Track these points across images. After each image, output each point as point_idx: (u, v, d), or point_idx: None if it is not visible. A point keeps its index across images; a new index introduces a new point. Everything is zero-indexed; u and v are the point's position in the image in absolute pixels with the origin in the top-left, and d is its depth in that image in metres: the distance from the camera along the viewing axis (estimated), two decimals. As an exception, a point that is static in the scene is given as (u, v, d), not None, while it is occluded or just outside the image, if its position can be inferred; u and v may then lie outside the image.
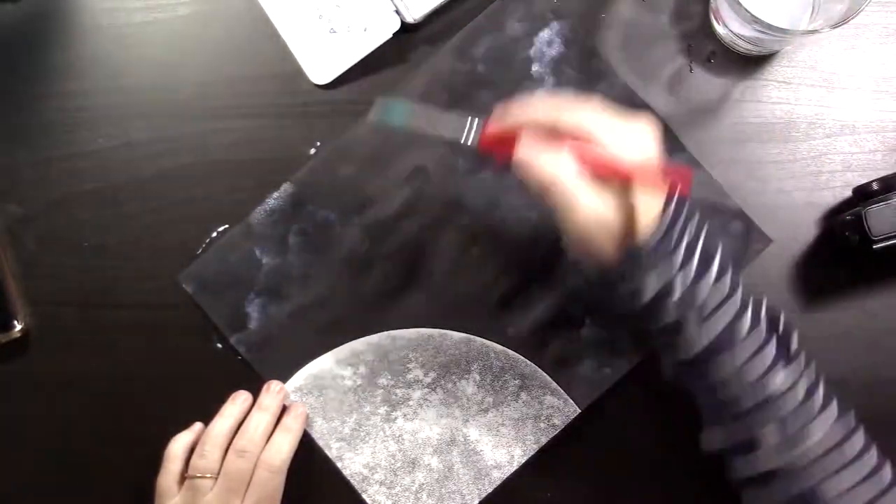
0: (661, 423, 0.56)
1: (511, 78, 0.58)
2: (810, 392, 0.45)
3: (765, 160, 0.57)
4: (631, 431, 0.57)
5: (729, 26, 0.56)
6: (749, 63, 0.58)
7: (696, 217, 0.46)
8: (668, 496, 0.56)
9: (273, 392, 0.56)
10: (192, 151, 0.59)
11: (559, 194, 0.45)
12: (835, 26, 0.49)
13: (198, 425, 0.55)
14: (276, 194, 0.58)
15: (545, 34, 0.58)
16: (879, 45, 0.58)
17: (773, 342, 0.46)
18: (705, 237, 0.46)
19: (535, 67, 0.58)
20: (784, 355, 0.46)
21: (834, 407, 0.45)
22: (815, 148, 0.57)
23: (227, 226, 0.58)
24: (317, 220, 0.58)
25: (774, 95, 0.58)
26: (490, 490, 0.56)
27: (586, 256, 0.47)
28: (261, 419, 0.54)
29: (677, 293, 0.45)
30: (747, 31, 0.54)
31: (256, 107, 0.59)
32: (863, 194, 0.54)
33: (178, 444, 0.54)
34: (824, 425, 0.45)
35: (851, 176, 0.57)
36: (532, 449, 0.56)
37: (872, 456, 0.45)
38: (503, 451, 0.56)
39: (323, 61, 0.58)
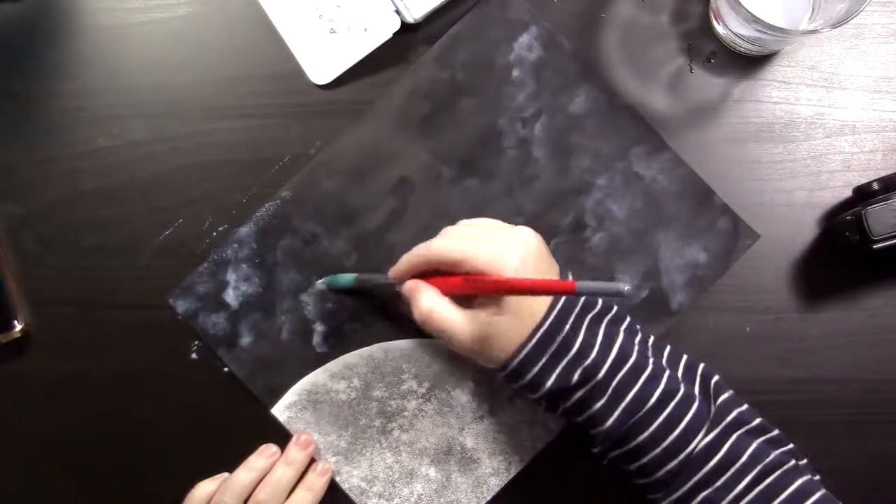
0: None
1: (492, 84, 0.58)
2: (732, 452, 0.46)
3: (765, 160, 0.57)
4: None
5: (729, 26, 0.56)
6: (749, 63, 0.58)
7: (591, 314, 0.48)
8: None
9: (301, 445, 0.55)
10: (192, 151, 0.59)
11: (435, 329, 0.48)
12: (835, 26, 0.49)
13: (222, 475, 0.55)
14: (260, 211, 0.57)
15: (524, 38, 0.58)
16: (879, 45, 0.58)
17: (696, 404, 0.47)
18: (605, 327, 0.48)
19: (515, 73, 0.58)
20: (706, 414, 0.47)
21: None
22: (815, 148, 0.57)
23: (226, 226, 0.58)
24: (303, 235, 0.58)
25: (774, 95, 0.58)
26: (489, 497, 0.56)
27: (484, 365, 0.50)
28: (284, 473, 0.54)
29: (575, 378, 0.47)
30: (747, 31, 0.54)
31: (256, 107, 0.59)
32: (863, 194, 0.54)
33: (201, 491, 0.54)
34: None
35: (851, 176, 0.57)
36: (529, 454, 0.56)
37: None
38: (500, 457, 0.56)
39: (323, 61, 0.58)
